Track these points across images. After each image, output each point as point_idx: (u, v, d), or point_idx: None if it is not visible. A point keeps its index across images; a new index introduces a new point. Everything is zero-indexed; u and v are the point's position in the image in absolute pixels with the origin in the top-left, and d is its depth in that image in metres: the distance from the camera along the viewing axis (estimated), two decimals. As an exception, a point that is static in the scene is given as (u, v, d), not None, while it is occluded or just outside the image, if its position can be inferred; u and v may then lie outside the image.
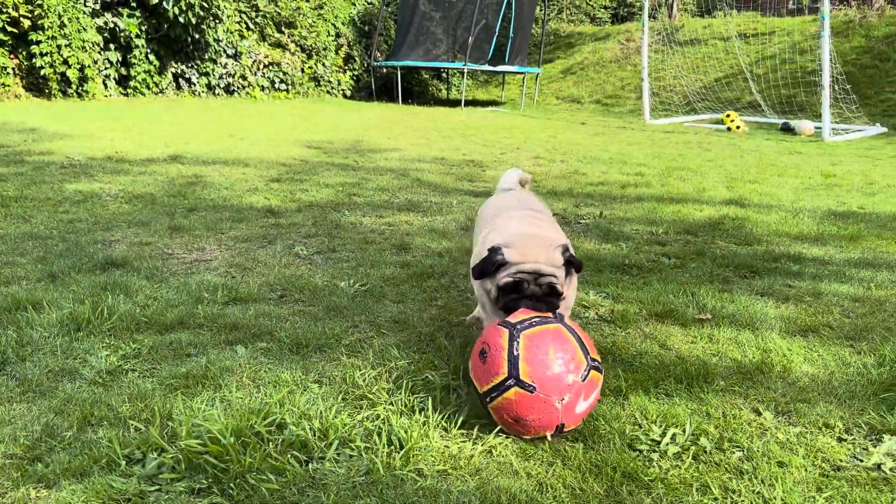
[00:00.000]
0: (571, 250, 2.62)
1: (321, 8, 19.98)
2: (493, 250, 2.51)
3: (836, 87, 14.33)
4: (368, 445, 2.29)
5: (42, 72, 14.68)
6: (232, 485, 2.09)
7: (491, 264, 2.49)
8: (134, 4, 15.90)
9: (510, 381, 2.26)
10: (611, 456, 2.25)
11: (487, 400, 2.33)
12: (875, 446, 2.33)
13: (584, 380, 2.29)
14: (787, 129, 13.57)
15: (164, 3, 15.65)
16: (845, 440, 2.39)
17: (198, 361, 2.89)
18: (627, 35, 22.74)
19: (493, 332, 2.40)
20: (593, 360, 2.35)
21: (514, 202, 3.00)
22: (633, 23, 24.71)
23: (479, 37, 19.09)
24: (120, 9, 15.82)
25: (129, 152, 8.49)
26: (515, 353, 2.28)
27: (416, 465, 2.20)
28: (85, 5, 15.21)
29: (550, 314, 2.44)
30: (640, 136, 12.49)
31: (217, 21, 17.02)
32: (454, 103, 20.17)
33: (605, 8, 27.37)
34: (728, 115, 14.20)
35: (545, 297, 2.48)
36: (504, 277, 2.47)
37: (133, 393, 2.60)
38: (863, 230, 5.42)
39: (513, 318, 2.40)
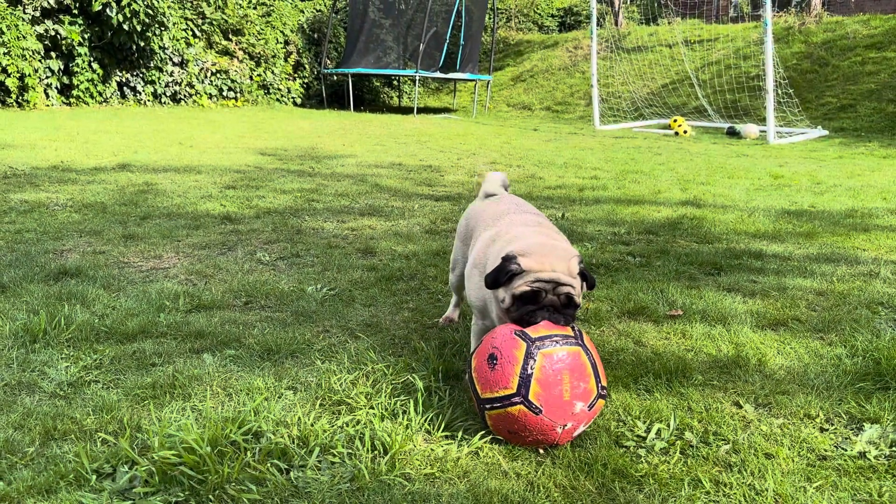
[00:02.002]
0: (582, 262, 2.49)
1: (269, 15, 19.74)
2: (508, 259, 2.36)
3: (779, 91, 14.73)
4: (351, 451, 2.21)
5: (-22, 81, 14.17)
6: (211, 496, 1.99)
7: (504, 273, 2.34)
8: (76, 12, 15.44)
9: (517, 399, 2.18)
10: (599, 453, 2.22)
11: (486, 406, 2.25)
12: (857, 435, 2.35)
13: (590, 408, 2.23)
14: (732, 133, 13.89)
15: (108, 11, 15.26)
16: (827, 430, 2.40)
17: (164, 371, 2.77)
18: (575, 43, 23.03)
19: (508, 340, 2.27)
20: (603, 388, 2.28)
21: (512, 206, 2.89)
22: (581, 31, 25.05)
23: (429, 44, 19.10)
24: (61, 16, 15.35)
25: (76, 161, 8.21)
26: (529, 371, 2.18)
27: (403, 470, 2.13)
28: (24, 12, 14.72)
29: (571, 331, 2.31)
30: (591, 142, 12.63)
31: (162, 28, 16.64)
32: (406, 111, 20.12)
33: (553, 16, 27.67)
34: (675, 120, 14.47)
35: (563, 309, 2.34)
36: (521, 286, 2.32)
37: (98, 405, 2.47)
38: (817, 227, 5.55)
39: (532, 332, 2.26)
